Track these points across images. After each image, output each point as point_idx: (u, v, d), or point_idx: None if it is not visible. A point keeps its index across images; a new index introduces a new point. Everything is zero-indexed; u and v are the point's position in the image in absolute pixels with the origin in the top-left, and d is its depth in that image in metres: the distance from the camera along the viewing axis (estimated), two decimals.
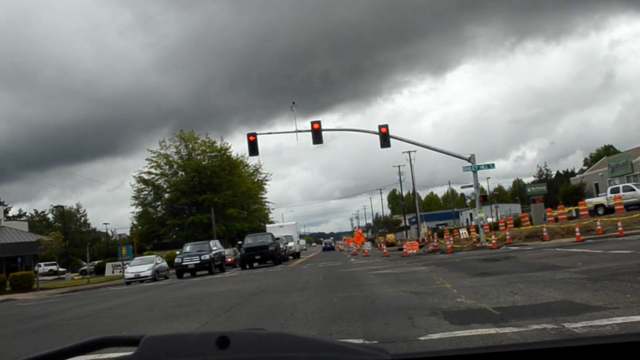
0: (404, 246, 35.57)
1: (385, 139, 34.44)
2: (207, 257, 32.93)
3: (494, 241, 30.89)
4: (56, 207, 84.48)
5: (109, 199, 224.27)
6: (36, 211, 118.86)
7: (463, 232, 59.73)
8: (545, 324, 6.92)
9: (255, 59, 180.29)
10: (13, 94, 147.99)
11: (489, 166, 36.10)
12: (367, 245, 62.61)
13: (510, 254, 23.38)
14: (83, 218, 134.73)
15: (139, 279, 34.48)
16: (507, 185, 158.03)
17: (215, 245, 36.28)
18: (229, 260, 38.33)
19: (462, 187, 38.28)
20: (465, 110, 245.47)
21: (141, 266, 35.31)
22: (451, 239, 38.84)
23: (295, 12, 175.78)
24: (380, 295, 12.04)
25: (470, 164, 35.33)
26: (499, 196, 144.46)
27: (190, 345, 1.41)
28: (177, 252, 36.84)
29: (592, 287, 10.01)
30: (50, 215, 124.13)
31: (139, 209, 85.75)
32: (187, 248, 35.14)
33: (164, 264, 37.80)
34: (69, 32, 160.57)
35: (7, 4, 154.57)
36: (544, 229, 32.03)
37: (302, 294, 13.99)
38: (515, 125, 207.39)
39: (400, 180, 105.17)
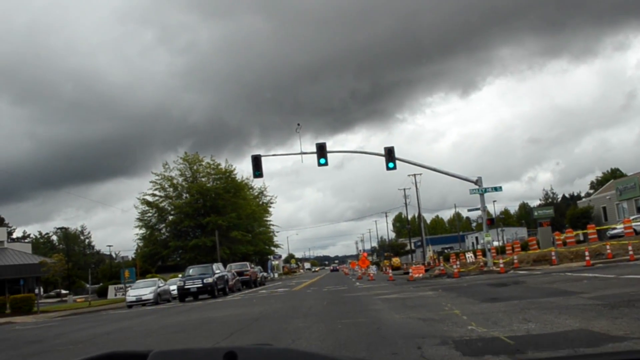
0: (410, 270, 34.96)
1: (391, 160, 34.05)
2: (209, 280, 32.39)
3: (501, 265, 30.31)
4: (59, 229, 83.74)
5: (122, 220, 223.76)
6: (40, 233, 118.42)
7: (469, 256, 59.13)
8: (564, 356, 6.44)
9: (276, 77, 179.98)
10: (29, 110, 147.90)
11: (496, 189, 35.61)
12: (372, 269, 62.01)
13: (519, 278, 22.83)
14: (87, 240, 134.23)
15: (140, 302, 33.93)
16: (513, 208, 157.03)
17: (219, 269, 35.76)
18: (230, 284, 37.71)
19: (469, 210, 37.83)
20: (487, 130, 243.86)
21: (143, 289, 34.79)
22: (458, 262, 38.19)
23: (319, 31, 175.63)
24: (386, 322, 11.55)
25: (477, 187, 34.86)
26: (505, 219, 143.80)
27: None
28: (180, 275, 36.22)
29: (610, 315, 9.51)
30: (54, 237, 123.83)
31: (143, 231, 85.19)
32: (190, 271, 34.60)
33: (167, 287, 37.29)
34: (90, 46, 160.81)
35: (27, 16, 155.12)
36: (553, 253, 31.44)
37: (305, 320, 13.51)
38: (535, 145, 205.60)
39: (405, 203, 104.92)
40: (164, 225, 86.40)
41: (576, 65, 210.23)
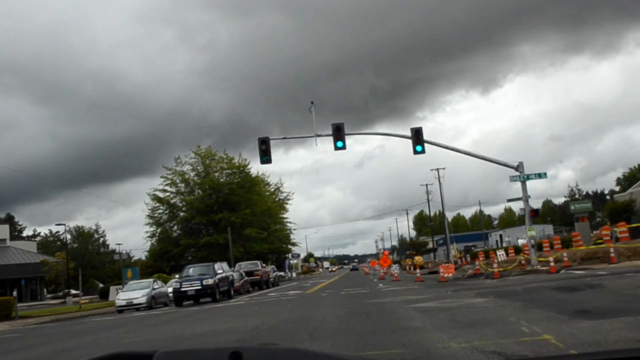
0: (441, 270, 30.33)
1: (419, 143, 29.42)
2: (210, 282, 27.88)
3: (552, 264, 25.53)
4: (58, 225, 79.46)
5: (143, 219, 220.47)
6: (50, 231, 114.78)
7: (500, 254, 54.23)
8: None
9: (296, 75, 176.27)
10: (50, 110, 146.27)
11: (540, 175, 30.81)
12: (395, 268, 57.33)
13: (588, 280, 18.09)
14: (102, 239, 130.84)
15: (132, 306, 29.53)
16: (535, 206, 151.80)
17: (221, 268, 31.14)
18: (236, 285, 33.15)
19: (509, 201, 32.85)
20: (508, 128, 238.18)
21: (135, 292, 30.33)
22: (496, 261, 33.50)
23: (339, 28, 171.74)
24: (440, 357, 6.99)
25: (518, 174, 30.15)
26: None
27: None
28: (177, 276, 31.69)
29: None
30: (68, 236, 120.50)
31: (153, 229, 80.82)
32: (190, 271, 30.18)
33: (165, 289, 32.81)
34: (110, 45, 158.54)
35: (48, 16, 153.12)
36: (611, 249, 26.61)
37: (311, 344, 9.01)
38: (556, 143, 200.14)
39: (428, 199, 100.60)
40: (174, 222, 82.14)
41: (598, 61, 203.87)
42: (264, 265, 46.66)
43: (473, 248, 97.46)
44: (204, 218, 78.46)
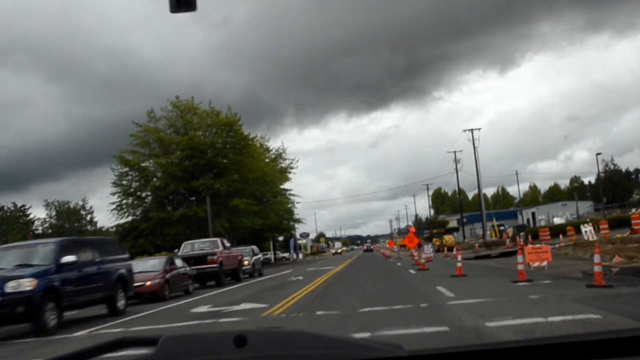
0: (544, 258, 13.12)
1: None
2: (27, 285, 10.55)
3: None
4: None
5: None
6: (15, 205, 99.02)
7: (587, 230, 37.48)
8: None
9: (311, 53, 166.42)
10: (63, 88, 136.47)
11: None
12: (429, 250, 40.39)
13: None
14: (89, 216, 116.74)
15: None
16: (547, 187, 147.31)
17: (74, 255, 12.02)
18: (148, 284, 16.48)
19: None
20: (524, 108, 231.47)
21: None
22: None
23: (354, 4, 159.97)
24: None
25: None
26: (555, 195, 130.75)
27: (208, 344, 1.43)
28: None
29: None
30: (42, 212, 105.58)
31: (119, 199, 63.92)
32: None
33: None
34: (122, 23, 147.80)
35: None
36: None
37: None
38: (573, 123, 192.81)
39: (456, 168, 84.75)
40: (146, 190, 65.39)
41: (618, 40, 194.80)
42: (227, 245, 29.37)
43: (502, 227, 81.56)
44: (182, 185, 61.96)
